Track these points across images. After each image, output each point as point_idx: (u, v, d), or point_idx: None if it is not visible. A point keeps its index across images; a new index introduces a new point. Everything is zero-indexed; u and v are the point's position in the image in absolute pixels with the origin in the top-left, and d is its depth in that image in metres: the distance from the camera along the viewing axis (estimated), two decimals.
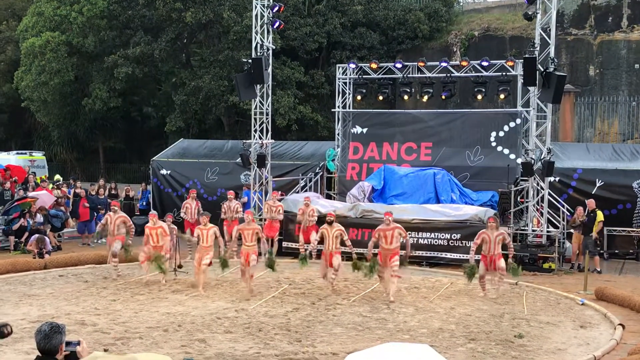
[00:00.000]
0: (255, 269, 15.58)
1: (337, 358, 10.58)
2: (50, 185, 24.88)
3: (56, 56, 33.39)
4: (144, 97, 39.31)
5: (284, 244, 21.09)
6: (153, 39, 33.23)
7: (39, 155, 32.29)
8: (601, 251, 20.55)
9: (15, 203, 21.93)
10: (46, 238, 20.45)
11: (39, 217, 21.65)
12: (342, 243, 15.81)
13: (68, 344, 5.32)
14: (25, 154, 31.79)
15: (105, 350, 10.70)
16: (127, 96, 37.30)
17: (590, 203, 19.57)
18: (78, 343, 5.47)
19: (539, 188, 20.29)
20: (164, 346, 11.30)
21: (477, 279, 15.43)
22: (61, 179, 28.23)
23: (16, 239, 20.95)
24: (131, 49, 33.25)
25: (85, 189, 24.53)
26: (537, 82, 19.24)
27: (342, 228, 15.94)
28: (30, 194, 22.32)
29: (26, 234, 20.97)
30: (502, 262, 15.26)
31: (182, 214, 21.03)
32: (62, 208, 22.93)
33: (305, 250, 19.61)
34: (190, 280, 16.50)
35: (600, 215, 19.40)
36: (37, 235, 20.24)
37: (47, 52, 33.14)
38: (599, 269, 18.84)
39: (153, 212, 18.17)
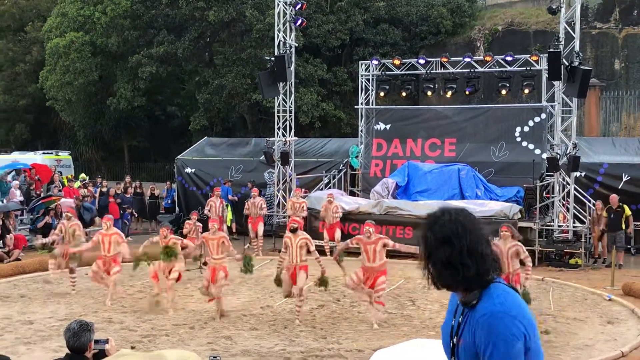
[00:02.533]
0: (221, 289, 13.31)
1: (363, 355, 10.58)
2: (76, 184, 25.07)
3: (80, 56, 33.65)
4: (167, 96, 39.48)
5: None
6: (176, 38, 33.37)
7: (65, 155, 32.55)
8: (628, 246, 20.37)
9: (41, 201, 22.13)
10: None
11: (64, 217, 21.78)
12: (308, 253, 13.11)
13: (97, 342, 5.36)
14: (52, 153, 32.05)
15: (133, 348, 10.78)
16: (151, 95, 37.49)
17: (613, 199, 19.21)
18: (106, 341, 5.51)
19: (564, 183, 20.14)
20: (190, 343, 11.36)
21: None
22: (87, 177, 28.44)
23: (43, 239, 21.08)
24: (155, 48, 33.41)
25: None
26: (561, 76, 19.10)
27: (308, 236, 13.28)
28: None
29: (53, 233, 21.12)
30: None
31: (206, 212, 21.10)
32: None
33: (330, 247, 19.67)
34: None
35: (627, 210, 19.17)
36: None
37: (71, 52, 33.41)
38: (621, 263, 18.61)
39: (108, 215, 16.19)
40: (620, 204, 19.18)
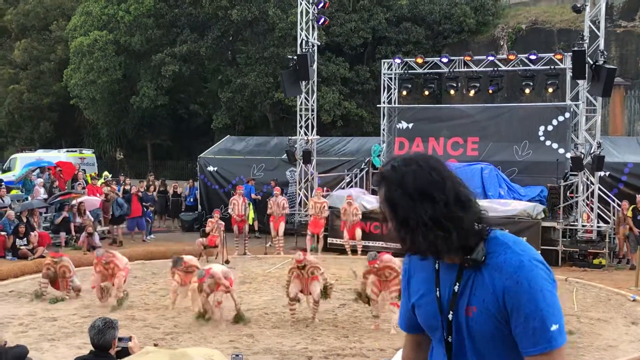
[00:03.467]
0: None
1: (385, 354, 10.55)
2: (100, 182, 25.26)
3: (104, 55, 33.90)
4: (190, 95, 39.68)
5: (329, 239, 21.09)
6: (199, 37, 33.52)
7: (88, 153, 32.83)
8: None
9: (59, 198, 22.32)
10: (95, 234, 20.78)
11: (88, 215, 21.96)
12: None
13: (120, 339, 5.41)
14: (75, 151, 32.34)
15: (155, 345, 10.84)
16: (174, 94, 37.70)
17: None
18: (129, 339, 5.56)
19: (588, 183, 19.99)
20: (212, 341, 11.39)
21: None
22: (110, 175, 28.64)
23: (67, 235, 21.27)
24: (178, 47, 33.59)
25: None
26: (586, 75, 18.95)
27: (316, 263, 12.84)
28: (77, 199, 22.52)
29: (73, 229, 21.29)
30: None
31: (229, 210, 21.17)
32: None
33: (352, 246, 19.69)
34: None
35: None
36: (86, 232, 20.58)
37: (95, 51, 33.66)
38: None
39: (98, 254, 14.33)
40: None
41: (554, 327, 2.53)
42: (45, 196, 22.98)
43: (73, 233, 21.36)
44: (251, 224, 22.12)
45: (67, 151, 32.45)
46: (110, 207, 22.64)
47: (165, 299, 14.26)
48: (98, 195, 23.42)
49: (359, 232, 19.83)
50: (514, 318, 2.57)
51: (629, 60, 29.33)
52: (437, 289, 2.73)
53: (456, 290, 2.68)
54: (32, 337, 11.56)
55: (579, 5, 19.72)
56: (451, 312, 2.69)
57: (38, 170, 26.12)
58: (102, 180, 26.51)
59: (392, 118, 24.57)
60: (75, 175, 25.47)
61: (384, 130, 24.72)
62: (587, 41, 19.23)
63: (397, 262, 11.90)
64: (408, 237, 2.58)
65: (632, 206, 18.95)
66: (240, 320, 12.46)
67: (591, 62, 18.64)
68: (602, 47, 19.30)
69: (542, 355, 2.54)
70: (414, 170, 2.57)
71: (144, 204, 23.56)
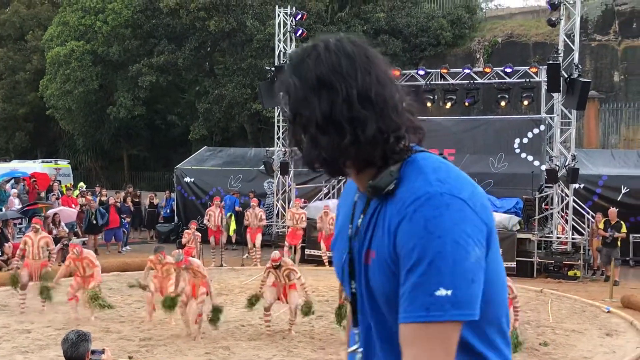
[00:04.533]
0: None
1: None
2: (75, 193, 25.08)
3: (81, 65, 33.73)
4: (167, 106, 39.56)
5: (307, 251, 21.09)
6: (177, 47, 33.47)
7: (64, 164, 32.57)
8: (627, 258, 20.37)
9: (26, 208, 22.14)
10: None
11: (63, 226, 21.79)
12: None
13: (93, 352, 5.38)
14: (51, 162, 32.07)
15: (130, 358, 10.78)
16: (151, 104, 37.57)
17: (612, 214, 18.96)
18: (102, 352, 5.52)
19: (563, 195, 20.16)
20: (188, 354, 11.34)
21: None
22: (85, 186, 28.45)
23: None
24: (155, 57, 33.50)
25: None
26: (561, 88, 19.13)
27: (292, 265, 12.81)
28: (51, 210, 22.34)
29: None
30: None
31: (205, 222, 21.10)
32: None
33: (328, 258, 19.69)
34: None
35: (624, 227, 18.89)
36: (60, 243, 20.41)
37: (72, 61, 33.47)
38: (617, 279, 18.16)
39: (75, 241, 14.61)
40: (619, 219, 18.93)
41: (441, 292, 1.74)
42: (20, 207, 22.79)
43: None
44: (231, 235, 22.07)
45: (43, 162, 32.15)
46: (87, 217, 22.54)
47: (141, 311, 14.17)
48: (73, 206, 23.25)
49: None
50: (401, 272, 1.84)
51: (604, 73, 29.66)
52: (350, 225, 2.06)
53: (359, 224, 2.01)
54: (5, 349, 11.44)
55: (553, 19, 19.92)
56: (350, 254, 2.04)
57: (13, 181, 25.86)
58: (77, 191, 26.32)
59: None
60: (51, 186, 25.27)
61: None
62: (562, 54, 19.43)
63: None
64: (298, 140, 1.97)
65: (605, 219, 19.09)
66: (217, 318, 12.34)
67: (566, 76, 18.82)
68: (576, 60, 19.51)
69: (413, 325, 1.78)
70: (318, 54, 1.89)
71: (121, 215, 23.45)
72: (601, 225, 19.00)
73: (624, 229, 18.80)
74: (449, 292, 1.75)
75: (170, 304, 12.40)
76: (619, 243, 18.76)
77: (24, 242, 14.91)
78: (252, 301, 12.88)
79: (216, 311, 12.39)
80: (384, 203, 1.93)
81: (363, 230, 2.00)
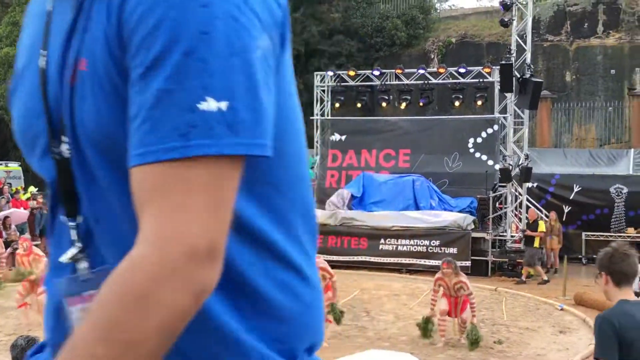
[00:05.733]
0: None
1: None
2: (25, 196, 24.61)
3: None
4: None
5: None
6: None
7: (14, 166, 31.96)
8: (579, 256, 20.66)
9: None
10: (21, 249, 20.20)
11: (13, 229, 21.37)
12: None
13: None
14: (1, 164, 31.45)
15: None
16: None
17: (532, 214, 19.12)
18: None
19: (517, 194, 20.36)
20: None
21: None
22: (36, 189, 27.93)
23: None
24: None
25: None
26: (513, 88, 19.30)
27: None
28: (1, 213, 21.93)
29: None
30: (466, 313, 11.78)
31: None
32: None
33: None
34: None
35: (542, 226, 18.97)
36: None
37: None
38: (546, 279, 18.42)
39: (25, 236, 14.06)
40: (537, 217, 19.05)
41: (209, 105, 1.05)
42: None
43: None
44: None
45: None
46: (40, 220, 22.22)
47: None
48: (23, 209, 22.81)
49: None
50: (132, 79, 1.09)
51: (556, 73, 30.04)
52: (43, 51, 1.25)
53: (68, 30, 1.21)
54: None
55: (506, 20, 20.11)
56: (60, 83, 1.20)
57: None
58: (28, 194, 25.82)
59: (325, 130, 24.64)
60: (0, 189, 24.77)
61: (317, 142, 24.77)
62: (514, 55, 19.62)
63: None
64: None
65: (546, 221, 19.19)
66: None
67: (518, 76, 18.99)
68: (529, 60, 19.70)
69: (158, 167, 1.05)
70: None
71: None
72: (542, 227, 18.95)
73: (542, 227, 18.96)
74: (223, 105, 1.06)
75: None
76: (538, 243, 18.81)
77: None
78: None
79: None
80: None
81: (64, 37, 1.21)
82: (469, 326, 11.55)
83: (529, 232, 18.55)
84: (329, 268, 11.93)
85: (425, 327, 12.00)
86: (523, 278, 18.43)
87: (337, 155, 24.26)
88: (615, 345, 4.21)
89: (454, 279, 11.55)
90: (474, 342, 11.36)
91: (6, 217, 21.28)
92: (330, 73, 24.67)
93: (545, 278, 18.40)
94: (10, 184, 26.72)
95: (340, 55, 32.70)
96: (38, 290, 13.11)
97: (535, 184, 21.35)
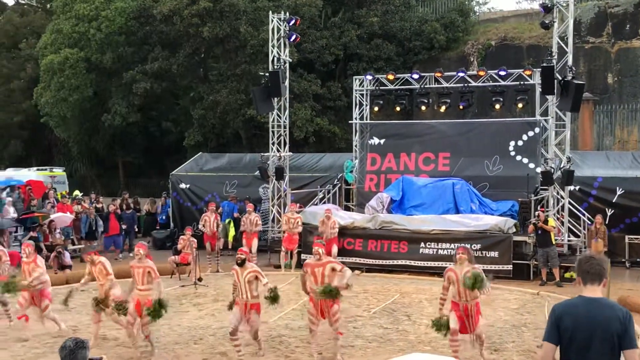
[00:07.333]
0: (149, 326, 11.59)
1: None
2: (70, 201, 25.03)
3: (75, 72, 33.71)
4: (162, 112, 39.57)
5: (303, 256, 21.05)
6: (171, 54, 33.48)
7: (59, 171, 32.50)
8: (623, 260, 20.41)
9: (22, 217, 22.10)
10: (66, 253, 20.57)
11: (58, 233, 21.75)
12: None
13: None
14: (46, 169, 32.01)
15: None
16: (145, 111, 37.57)
17: (541, 214, 18.69)
18: (100, 359, 5.50)
19: (559, 197, 20.18)
20: (184, 359, 11.31)
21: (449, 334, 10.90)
22: (81, 194, 28.39)
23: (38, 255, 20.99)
24: (149, 64, 33.52)
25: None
26: (555, 90, 19.16)
27: (258, 269, 11.33)
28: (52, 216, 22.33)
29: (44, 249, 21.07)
30: (480, 328, 10.85)
31: (200, 227, 21.07)
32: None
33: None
34: None
35: (551, 221, 18.82)
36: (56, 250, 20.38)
37: (66, 69, 33.46)
38: (558, 279, 18.24)
39: (28, 241, 13.87)
40: (546, 217, 18.79)
41: None
42: (15, 215, 22.73)
43: (45, 252, 21.10)
44: (231, 241, 22.02)
45: (38, 169, 32.09)
46: (86, 223, 22.68)
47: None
48: (69, 213, 23.21)
49: (334, 249, 19.76)
50: None
51: (597, 75, 29.74)
52: None
53: None
54: (2, 358, 11.40)
55: (547, 22, 19.95)
56: None
57: (8, 189, 25.78)
58: (72, 198, 26.26)
59: (364, 134, 24.68)
60: (46, 194, 25.21)
61: (356, 146, 24.83)
62: (555, 57, 19.47)
63: (339, 266, 11.29)
64: None
65: (532, 221, 18.93)
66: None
67: (560, 78, 18.86)
68: (570, 62, 19.54)
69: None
70: None
71: (121, 222, 23.49)
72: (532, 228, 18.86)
73: (551, 223, 18.71)
74: None
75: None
76: (553, 241, 18.60)
77: None
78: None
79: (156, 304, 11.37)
80: None
81: None
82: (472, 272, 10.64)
83: (542, 224, 18.28)
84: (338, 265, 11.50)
85: (439, 326, 10.94)
86: (544, 279, 18.25)
87: (376, 159, 24.29)
88: (554, 330, 5.04)
89: (466, 269, 10.73)
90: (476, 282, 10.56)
91: (51, 221, 21.68)
92: (369, 77, 24.71)
93: (558, 279, 18.22)
94: (55, 188, 27.16)
95: (379, 59, 32.71)
96: (42, 305, 12.82)
97: (577, 187, 21.13)
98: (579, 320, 4.96)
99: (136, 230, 25.79)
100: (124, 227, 23.94)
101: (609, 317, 4.90)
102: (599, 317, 4.91)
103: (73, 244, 22.79)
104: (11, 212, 22.84)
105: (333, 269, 11.15)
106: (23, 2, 47.92)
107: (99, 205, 25.02)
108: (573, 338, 4.92)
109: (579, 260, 5.35)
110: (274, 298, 11.29)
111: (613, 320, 4.88)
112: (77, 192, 28.86)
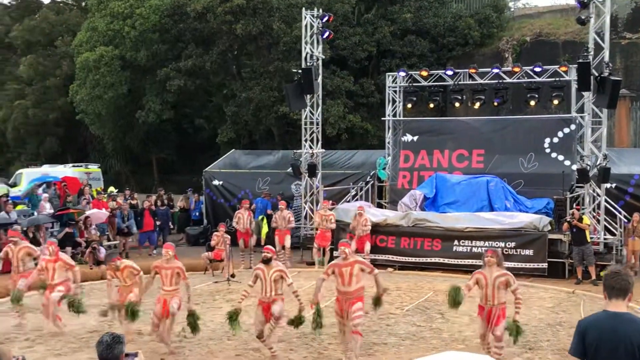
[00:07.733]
0: (175, 321, 11.88)
1: None
2: (105, 197, 25.28)
3: (110, 70, 34.01)
4: (195, 109, 39.77)
5: (335, 253, 21.02)
6: (204, 51, 33.63)
7: (94, 168, 32.87)
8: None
9: (58, 213, 22.35)
10: (102, 248, 20.76)
11: (93, 229, 21.95)
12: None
13: (127, 355, 5.39)
14: (81, 166, 32.39)
15: None
16: (179, 108, 37.81)
17: (575, 212, 18.46)
18: (136, 354, 5.54)
19: (595, 195, 19.94)
20: (219, 355, 11.38)
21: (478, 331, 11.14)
22: (115, 190, 28.66)
23: (73, 251, 21.24)
24: (183, 61, 33.71)
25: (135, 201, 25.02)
26: (591, 87, 18.94)
27: (284, 268, 11.60)
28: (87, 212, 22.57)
29: (81, 244, 21.30)
30: (500, 328, 10.65)
31: (234, 224, 21.15)
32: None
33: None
34: None
35: (586, 219, 18.50)
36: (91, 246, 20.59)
37: (101, 66, 33.77)
38: (594, 277, 17.99)
39: (52, 239, 14.08)
40: (581, 214, 18.51)
41: None
42: (51, 211, 23.02)
43: (82, 247, 21.35)
44: (264, 238, 22.07)
45: (73, 166, 32.51)
46: (120, 220, 22.94)
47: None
48: (104, 209, 23.44)
49: (367, 246, 19.75)
50: None
51: (634, 71, 29.30)
52: None
53: None
54: (38, 352, 11.55)
55: (583, 17, 19.71)
56: None
57: (44, 185, 26.12)
58: (107, 194, 26.51)
59: (397, 131, 24.59)
60: (82, 190, 25.49)
61: (389, 143, 24.75)
62: (591, 53, 19.23)
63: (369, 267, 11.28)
64: None
65: (566, 219, 18.64)
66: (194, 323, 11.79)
67: (596, 74, 18.64)
68: (607, 58, 19.29)
69: None
70: None
71: (155, 218, 23.69)
72: (566, 226, 18.64)
73: (586, 220, 18.42)
74: None
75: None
76: (588, 239, 18.31)
77: (5, 252, 14.46)
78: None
79: (191, 317, 11.82)
80: None
81: None
82: (508, 323, 10.71)
83: (576, 222, 18.05)
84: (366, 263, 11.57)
85: (456, 295, 10.93)
86: (580, 278, 18.05)
87: (409, 156, 24.18)
88: (580, 344, 5.27)
89: (495, 272, 10.57)
90: (517, 335, 10.78)
91: (87, 217, 21.90)
92: (402, 73, 24.59)
93: (594, 277, 17.99)
94: (90, 185, 27.45)
95: (412, 55, 32.56)
96: (49, 294, 12.87)
97: (613, 185, 20.86)
98: (603, 334, 5.14)
99: (170, 226, 25.95)
100: (158, 223, 24.11)
101: (632, 332, 5.07)
102: (622, 332, 5.08)
103: (108, 240, 23.00)
104: (47, 208, 23.14)
105: (362, 270, 11.05)
106: (58, 0, 48.43)
107: (134, 202, 25.23)
108: (598, 352, 5.13)
109: (605, 275, 5.47)
110: (298, 321, 11.34)
111: (636, 334, 5.06)
112: (112, 189, 29.15)
